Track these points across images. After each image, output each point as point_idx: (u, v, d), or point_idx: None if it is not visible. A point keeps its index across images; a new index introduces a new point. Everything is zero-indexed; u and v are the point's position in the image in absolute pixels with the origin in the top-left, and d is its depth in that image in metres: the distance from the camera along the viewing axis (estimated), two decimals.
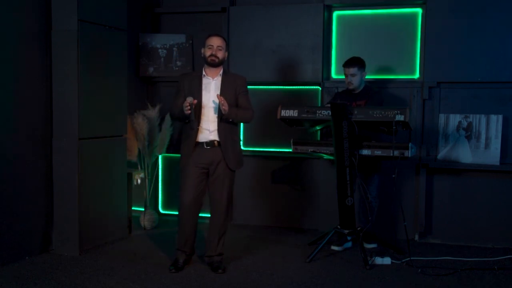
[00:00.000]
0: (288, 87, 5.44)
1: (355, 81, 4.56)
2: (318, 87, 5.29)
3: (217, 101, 3.87)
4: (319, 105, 5.23)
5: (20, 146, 4.18)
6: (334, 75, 5.33)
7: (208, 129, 3.92)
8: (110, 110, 4.67)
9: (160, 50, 5.64)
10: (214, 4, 5.57)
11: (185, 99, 3.83)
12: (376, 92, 4.66)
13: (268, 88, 5.48)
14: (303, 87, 5.40)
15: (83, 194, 4.37)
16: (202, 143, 3.93)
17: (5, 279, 3.76)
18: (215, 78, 3.97)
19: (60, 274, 3.87)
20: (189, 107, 3.75)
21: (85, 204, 4.40)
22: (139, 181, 5.30)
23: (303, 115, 4.31)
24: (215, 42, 3.94)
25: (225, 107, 3.79)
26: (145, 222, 5.30)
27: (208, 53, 3.93)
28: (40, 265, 4.09)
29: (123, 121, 4.87)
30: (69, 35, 4.27)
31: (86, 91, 4.37)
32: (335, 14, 5.30)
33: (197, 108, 3.88)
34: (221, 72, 4.00)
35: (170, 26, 5.78)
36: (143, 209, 5.39)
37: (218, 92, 3.90)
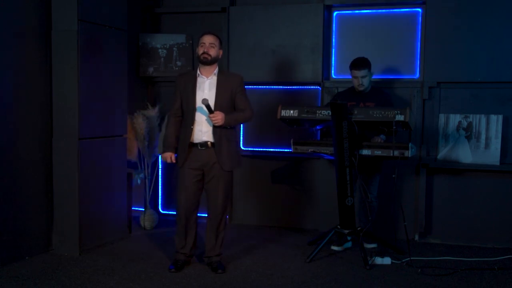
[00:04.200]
0: (288, 87, 5.44)
1: (366, 82, 4.54)
2: (318, 87, 5.29)
3: (211, 100, 3.83)
4: (319, 105, 5.23)
5: (20, 146, 4.18)
6: (334, 75, 5.33)
7: (201, 130, 3.89)
8: (110, 110, 4.67)
9: (160, 50, 5.64)
10: (214, 4, 5.57)
11: (181, 102, 3.96)
12: (386, 94, 4.65)
13: (268, 88, 5.48)
14: (303, 87, 5.40)
15: (83, 194, 4.37)
16: (197, 144, 3.91)
17: (5, 279, 3.76)
18: (210, 77, 3.93)
19: (60, 274, 3.88)
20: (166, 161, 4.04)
21: (85, 204, 4.40)
22: (139, 181, 5.30)
23: (303, 115, 4.31)
24: (207, 39, 3.90)
25: (220, 122, 3.78)
26: (145, 222, 5.30)
27: (200, 51, 3.90)
28: (40, 265, 4.09)
29: (123, 121, 4.87)
30: (69, 35, 4.27)
31: (86, 91, 4.37)
32: (335, 14, 5.30)
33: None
34: (216, 71, 3.94)
35: (170, 26, 5.78)
36: (143, 209, 5.39)
37: (214, 91, 3.88)
